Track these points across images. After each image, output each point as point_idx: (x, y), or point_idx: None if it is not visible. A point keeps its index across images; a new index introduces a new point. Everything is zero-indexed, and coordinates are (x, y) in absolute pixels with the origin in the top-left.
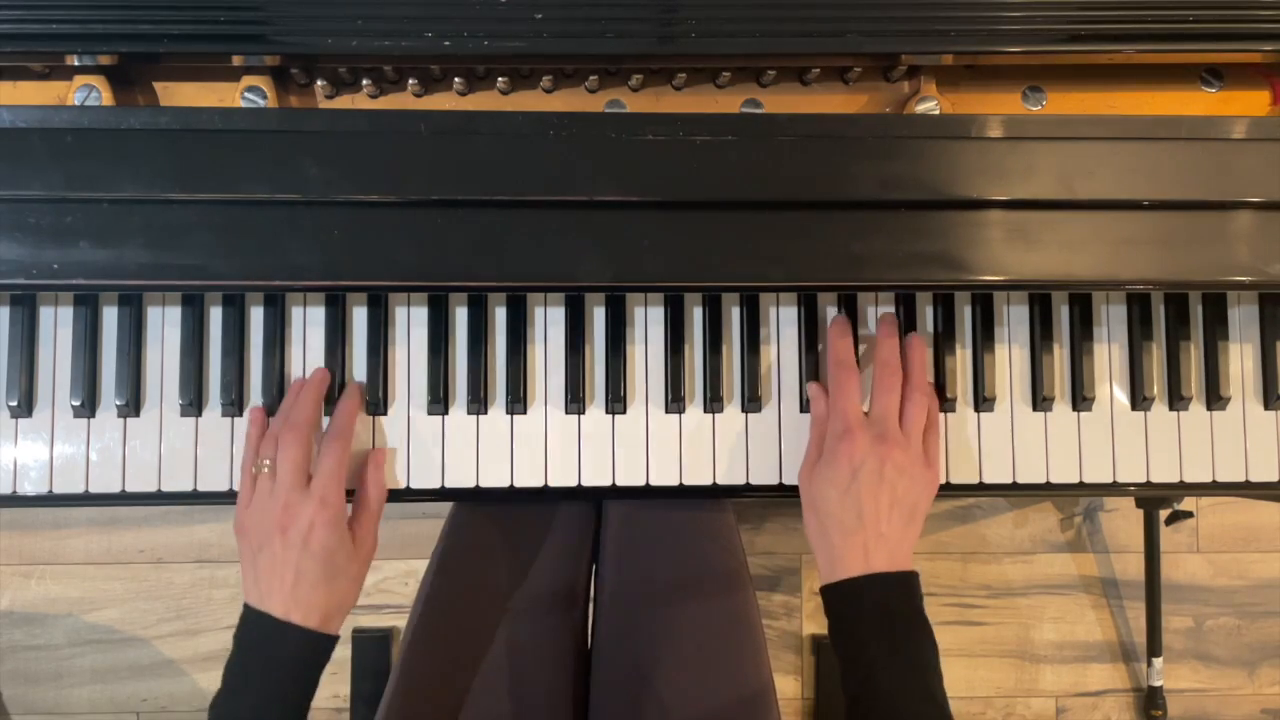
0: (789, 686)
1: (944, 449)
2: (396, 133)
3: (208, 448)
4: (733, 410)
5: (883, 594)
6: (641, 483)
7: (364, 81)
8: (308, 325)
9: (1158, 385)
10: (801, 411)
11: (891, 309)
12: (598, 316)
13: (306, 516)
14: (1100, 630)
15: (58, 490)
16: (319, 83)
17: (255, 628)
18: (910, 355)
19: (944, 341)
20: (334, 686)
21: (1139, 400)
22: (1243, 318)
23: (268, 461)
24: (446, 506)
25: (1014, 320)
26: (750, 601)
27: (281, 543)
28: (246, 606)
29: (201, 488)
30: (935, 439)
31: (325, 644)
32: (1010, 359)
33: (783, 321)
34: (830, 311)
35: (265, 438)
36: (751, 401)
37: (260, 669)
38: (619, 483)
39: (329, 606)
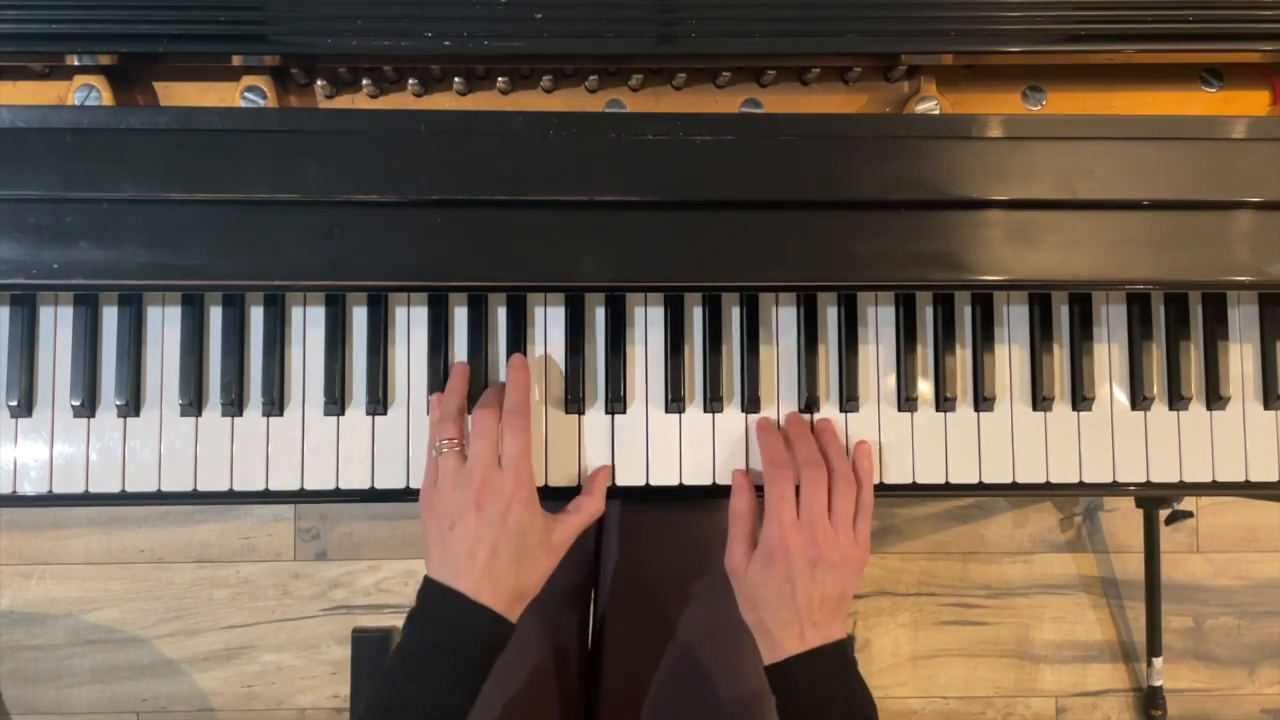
0: None
1: (945, 449)
2: (396, 133)
3: (208, 447)
4: (733, 410)
5: (822, 667)
6: (641, 483)
7: (364, 81)
8: (308, 325)
9: (1158, 385)
10: (801, 411)
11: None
12: (598, 316)
13: (505, 494)
14: (1100, 630)
15: (58, 490)
16: (319, 83)
17: (442, 603)
18: (826, 444)
19: (944, 341)
20: (334, 686)
21: (1139, 400)
22: (1243, 318)
23: (448, 441)
24: None
25: (1014, 320)
26: None
27: (477, 519)
28: (431, 581)
29: (201, 488)
30: (865, 522)
31: (508, 630)
32: (1010, 359)
33: (782, 321)
34: (831, 311)
35: (440, 421)
36: (751, 401)
37: (445, 646)
38: (619, 483)
39: (516, 589)
